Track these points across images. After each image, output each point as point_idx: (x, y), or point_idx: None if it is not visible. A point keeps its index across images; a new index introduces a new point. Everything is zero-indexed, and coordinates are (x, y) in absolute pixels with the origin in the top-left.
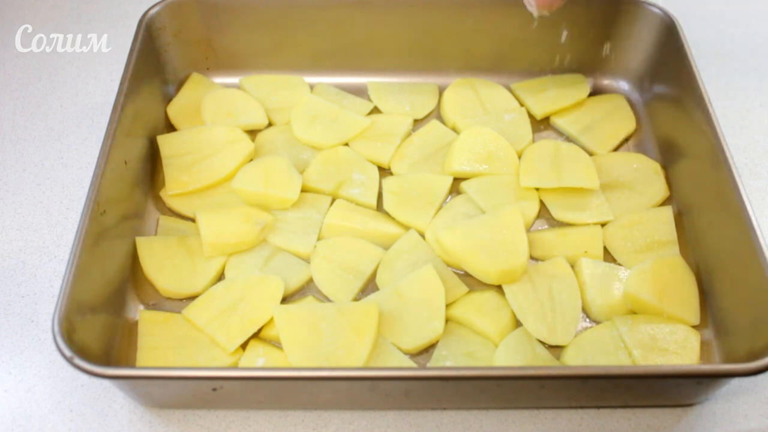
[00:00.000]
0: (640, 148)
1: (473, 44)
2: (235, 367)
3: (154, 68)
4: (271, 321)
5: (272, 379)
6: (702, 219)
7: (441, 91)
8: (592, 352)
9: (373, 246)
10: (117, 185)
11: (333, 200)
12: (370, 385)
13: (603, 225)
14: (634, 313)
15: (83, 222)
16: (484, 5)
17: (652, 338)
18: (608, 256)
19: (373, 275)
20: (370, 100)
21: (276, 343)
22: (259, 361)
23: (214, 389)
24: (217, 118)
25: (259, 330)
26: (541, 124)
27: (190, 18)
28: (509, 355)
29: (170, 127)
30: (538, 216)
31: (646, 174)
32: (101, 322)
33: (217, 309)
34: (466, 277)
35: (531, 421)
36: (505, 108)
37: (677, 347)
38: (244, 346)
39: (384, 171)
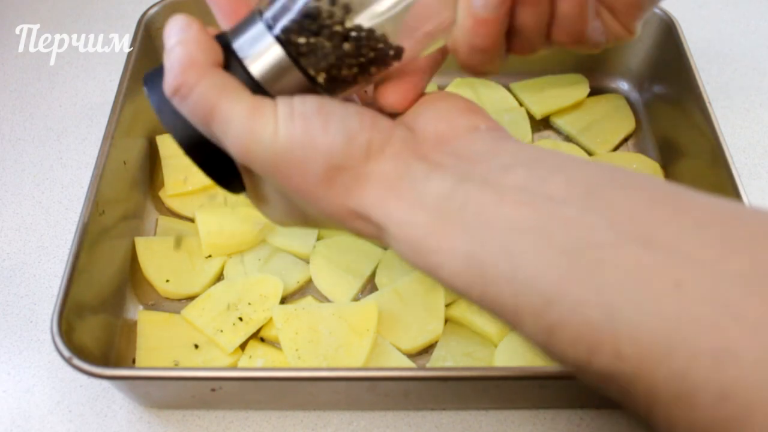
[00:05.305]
0: (640, 148)
1: None
2: (234, 368)
3: None
4: (270, 321)
5: (271, 380)
6: None
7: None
8: None
9: (373, 246)
10: (116, 185)
11: None
12: (369, 386)
13: None
14: None
15: (82, 222)
16: None
17: None
18: None
19: (373, 275)
20: None
21: (275, 344)
22: (258, 361)
23: (213, 390)
24: None
25: (259, 330)
26: (541, 124)
27: None
28: (509, 355)
29: None
30: None
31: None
32: (100, 323)
33: (216, 309)
34: None
35: (531, 422)
36: (505, 108)
37: None
38: (243, 346)
39: None
